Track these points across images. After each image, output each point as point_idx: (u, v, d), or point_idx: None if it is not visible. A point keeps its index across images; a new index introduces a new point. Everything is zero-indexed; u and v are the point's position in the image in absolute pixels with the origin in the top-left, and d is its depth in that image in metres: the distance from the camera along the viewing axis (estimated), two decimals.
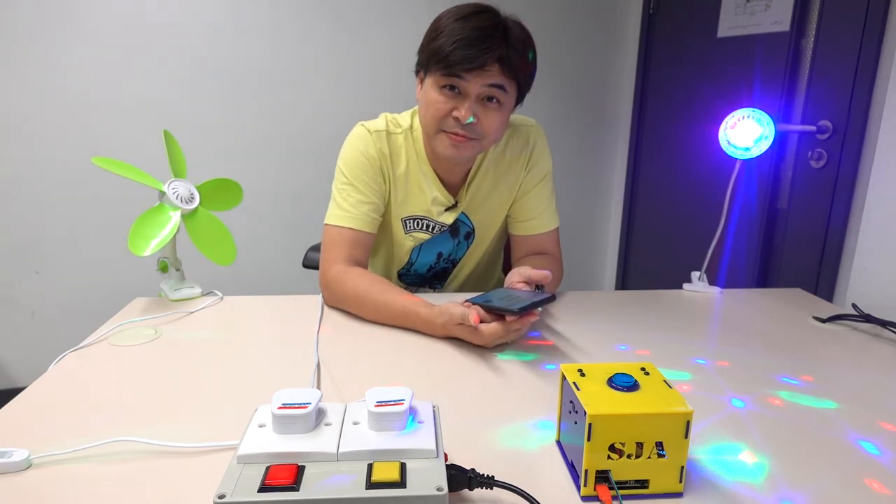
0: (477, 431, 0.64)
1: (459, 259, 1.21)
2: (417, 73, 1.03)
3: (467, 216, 1.15)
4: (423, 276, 1.22)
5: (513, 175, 1.13)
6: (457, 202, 1.12)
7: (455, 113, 0.96)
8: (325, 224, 1.07)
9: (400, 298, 0.94)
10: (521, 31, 0.95)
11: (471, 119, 0.95)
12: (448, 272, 1.23)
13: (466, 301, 0.87)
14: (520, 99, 1.02)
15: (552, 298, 0.86)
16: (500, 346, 0.87)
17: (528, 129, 1.13)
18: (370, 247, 1.09)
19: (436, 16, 0.97)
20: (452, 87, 0.95)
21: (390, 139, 1.08)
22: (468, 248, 1.19)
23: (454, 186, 1.12)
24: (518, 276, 0.94)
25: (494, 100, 0.96)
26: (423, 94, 1.00)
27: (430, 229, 1.13)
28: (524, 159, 1.13)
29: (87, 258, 2.05)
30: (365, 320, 0.97)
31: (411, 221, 1.13)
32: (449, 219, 1.12)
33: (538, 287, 0.93)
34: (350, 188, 1.06)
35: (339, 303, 1.02)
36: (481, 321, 0.83)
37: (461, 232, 1.16)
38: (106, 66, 1.92)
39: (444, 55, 0.92)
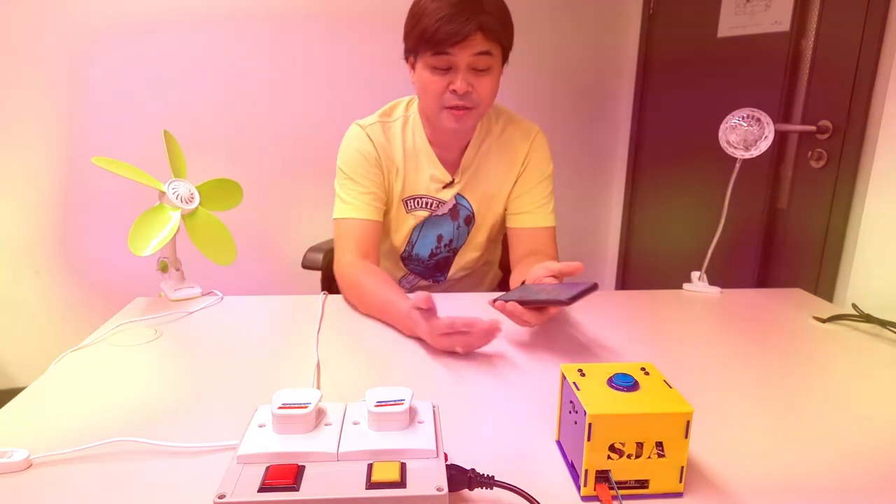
0: (477, 431, 0.64)
1: (460, 248, 1.24)
2: (407, 59, 1.06)
3: (466, 199, 1.18)
4: (426, 262, 1.25)
5: (511, 161, 1.17)
6: (454, 179, 1.16)
7: (451, 87, 1.00)
8: (334, 219, 1.12)
9: (386, 289, 0.96)
10: None
11: (467, 90, 1.00)
12: (449, 262, 1.25)
13: (494, 300, 0.87)
14: (505, 58, 1.06)
15: (595, 287, 0.83)
16: (500, 346, 0.87)
17: (530, 129, 1.18)
18: (377, 234, 1.13)
19: None
20: (445, 65, 1.00)
21: (384, 128, 1.13)
22: (468, 234, 1.22)
23: (452, 165, 1.16)
24: (545, 272, 0.91)
25: (484, 67, 1.01)
26: (417, 78, 1.05)
27: (429, 206, 1.17)
28: (523, 151, 1.17)
29: (87, 258, 2.05)
30: (365, 320, 0.97)
31: (412, 201, 1.17)
32: (447, 195, 1.16)
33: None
34: (349, 182, 1.11)
35: (345, 294, 1.06)
36: (520, 317, 0.83)
37: (461, 215, 1.20)
38: (106, 65, 1.92)
39: (429, 35, 0.96)
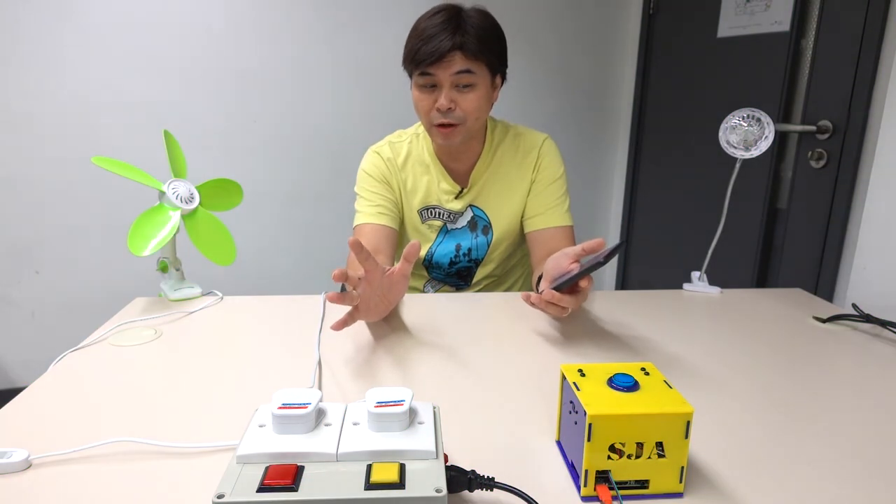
0: (477, 432, 0.64)
1: (481, 259, 1.26)
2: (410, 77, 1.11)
3: (481, 210, 1.21)
4: (447, 270, 1.28)
5: (522, 170, 1.19)
6: (462, 189, 1.19)
7: (436, 105, 1.05)
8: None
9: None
10: (479, 18, 1.03)
11: (450, 107, 1.04)
12: (472, 271, 1.28)
13: (528, 295, 0.87)
14: (497, 73, 1.09)
15: (623, 244, 0.82)
16: (500, 346, 0.87)
17: (539, 137, 1.21)
18: (387, 235, 1.16)
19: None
20: (430, 83, 1.04)
21: (394, 148, 1.20)
22: (488, 246, 1.24)
23: (462, 176, 1.20)
24: (567, 259, 0.86)
25: (467, 84, 1.04)
26: (412, 96, 1.09)
27: (441, 216, 1.22)
28: (532, 159, 1.19)
29: (87, 258, 2.05)
30: (365, 321, 0.97)
31: (426, 211, 1.22)
32: (458, 206, 1.20)
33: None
34: (361, 199, 1.19)
35: None
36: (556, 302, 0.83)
37: (479, 226, 1.23)
38: (106, 65, 1.92)
39: (412, 55, 1.03)
